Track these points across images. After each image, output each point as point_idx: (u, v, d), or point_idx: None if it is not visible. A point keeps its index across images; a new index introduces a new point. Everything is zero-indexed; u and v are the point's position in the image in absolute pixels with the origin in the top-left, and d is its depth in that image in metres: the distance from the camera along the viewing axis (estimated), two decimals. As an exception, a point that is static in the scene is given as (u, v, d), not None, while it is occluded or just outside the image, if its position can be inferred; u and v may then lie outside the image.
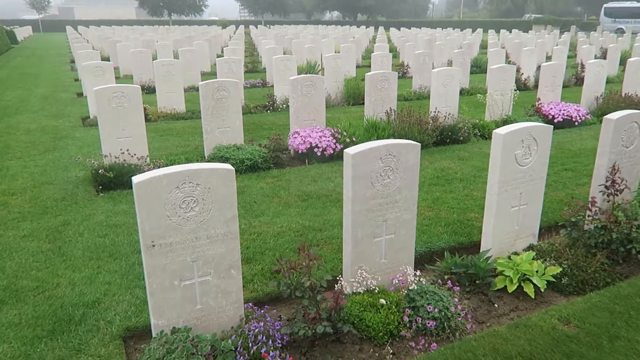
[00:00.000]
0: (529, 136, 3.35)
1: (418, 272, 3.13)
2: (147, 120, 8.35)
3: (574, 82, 12.49)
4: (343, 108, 9.72)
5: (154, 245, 2.38)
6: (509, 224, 3.52)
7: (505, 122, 7.64)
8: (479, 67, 15.35)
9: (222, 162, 5.72)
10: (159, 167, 5.45)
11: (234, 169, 2.50)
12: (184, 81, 9.51)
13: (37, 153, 6.43)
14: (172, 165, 5.61)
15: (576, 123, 7.92)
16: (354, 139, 6.19)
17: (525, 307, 3.11)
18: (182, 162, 5.69)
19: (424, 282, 3.00)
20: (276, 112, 9.17)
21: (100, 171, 4.98)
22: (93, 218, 4.38)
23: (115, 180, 5.07)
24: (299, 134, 6.23)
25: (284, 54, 14.29)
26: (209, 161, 5.80)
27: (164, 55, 14.05)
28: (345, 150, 2.83)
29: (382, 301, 2.85)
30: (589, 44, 19.55)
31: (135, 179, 2.31)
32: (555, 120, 7.83)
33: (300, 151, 6.04)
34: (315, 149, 6.01)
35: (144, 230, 2.34)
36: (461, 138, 6.88)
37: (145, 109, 8.48)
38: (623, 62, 15.59)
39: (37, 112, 9.09)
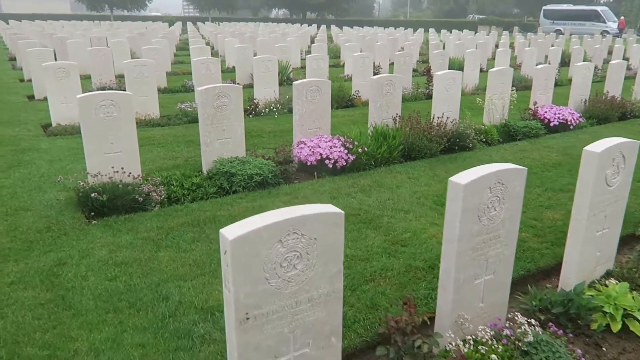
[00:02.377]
0: (619, 153, 3.01)
1: (533, 321, 2.67)
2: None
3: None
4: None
5: (248, 318, 1.80)
6: (592, 251, 3.17)
7: (504, 126, 7.43)
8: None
9: (227, 178, 5.12)
10: (156, 187, 4.76)
11: (343, 212, 1.95)
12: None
13: (-1, 170, 5.51)
14: (168, 183, 4.96)
15: (571, 127, 7.84)
16: (365, 149, 5.71)
17: (633, 349, 2.76)
18: (179, 180, 5.01)
19: (537, 332, 2.57)
20: (260, 117, 8.54)
21: (93, 195, 4.22)
22: (93, 254, 3.66)
23: (108, 204, 4.33)
24: (305, 144, 5.68)
25: (256, 55, 13.58)
26: (209, 177, 5.14)
27: (121, 54, 13.01)
28: (452, 179, 2.35)
29: (494, 357, 2.39)
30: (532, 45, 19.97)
31: (230, 234, 1.72)
32: (551, 124, 7.71)
33: (309, 163, 5.49)
34: (326, 161, 5.48)
35: (238, 300, 1.76)
36: (470, 145, 6.57)
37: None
38: (565, 63, 16.03)
39: (-15, 119, 7.98)
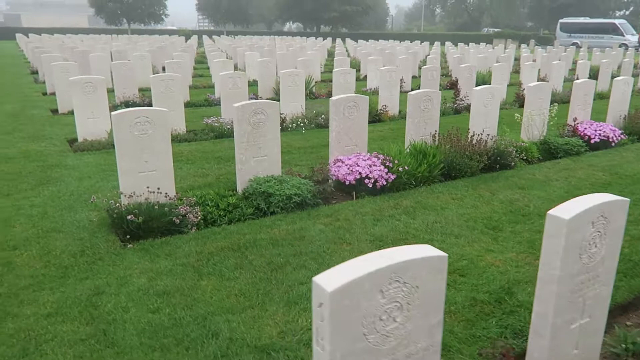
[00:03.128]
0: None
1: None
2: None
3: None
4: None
5: (342, 380, 1.54)
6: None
7: (544, 143, 7.13)
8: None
9: (264, 199, 4.89)
10: (191, 207, 4.54)
11: (446, 255, 1.69)
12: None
13: (28, 187, 5.33)
14: (203, 203, 4.73)
15: (612, 144, 7.51)
16: (406, 168, 5.46)
17: None
18: (214, 199, 4.78)
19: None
20: (287, 133, 8.33)
21: (129, 217, 4.01)
22: (132, 282, 3.43)
23: (144, 227, 4.11)
24: (343, 162, 5.44)
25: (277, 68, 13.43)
26: (245, 197, 4.91)
27: (142, 68, 12.97)
28: (552, 213, 2.09)
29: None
30: (558, 59, 19.62)
31: (327, 285, 1.47)
32: (592, 141, 7.40)
33: (348, 182, 5.24)
34: (366, 180, 5.23)
35: (333, 360, 1.50)
36: (512, 163, 6.28)
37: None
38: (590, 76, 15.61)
39: (10, 134, 7.86)
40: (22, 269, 3.58)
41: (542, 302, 2.19)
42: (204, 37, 39.16)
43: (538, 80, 12.20)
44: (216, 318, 3.01)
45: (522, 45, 31.89)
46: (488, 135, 6.29)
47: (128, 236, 4.04)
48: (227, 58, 16.42)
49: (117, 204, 4.31)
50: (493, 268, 3.72)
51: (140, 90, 11.09)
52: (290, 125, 8.53)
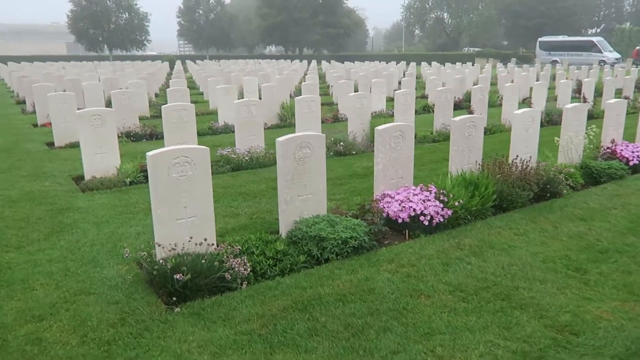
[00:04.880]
0: None
1: None
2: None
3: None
4: (372, 154, 8.53)
5: None
6: None
7: (585, 167, 6.77)
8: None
9: (316, 243, 4.34)
10: (236, 257, 3.98)
11: None
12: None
13: (40, 237, 4.69)
14: (247, 250, 4.17)
15: (650, 166, 7.20)
16: (461, 202, 5.00)
17: None
18: (259, 246, 4.22)
19: None
20: (306, 162, 7.82)
21: (177, 276, 3.43)
22: (190, 359, 2.85)
23: (190, 285, 3.54)
24: (392, 197, 4.96)
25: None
26: (293, 242, 4.36)
27: (140, 96, 12.40)
28: None
29: None
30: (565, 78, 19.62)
31: None
32: (631, 163, 7.07)
33: (402, 220, 4.75)
34: (421, 217, 4.74)
35: None
36: (564, 191, 5.88)
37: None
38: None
39: (8, 172, 7.19)
40: (55, 348, 2.96)
41: None
42: (187, 61, 38.75)
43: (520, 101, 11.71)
44: (312, 409, 2.45)
45: (498, 65, 32.08)
46: (529, 160, 5.88)
47: (174, 298, 3.46)
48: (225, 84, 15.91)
49: (150, 258, 3.75)
50: (605, 322, 3.24)
51: (140, 119, 10.52)
52: (308, 154, 8.02)
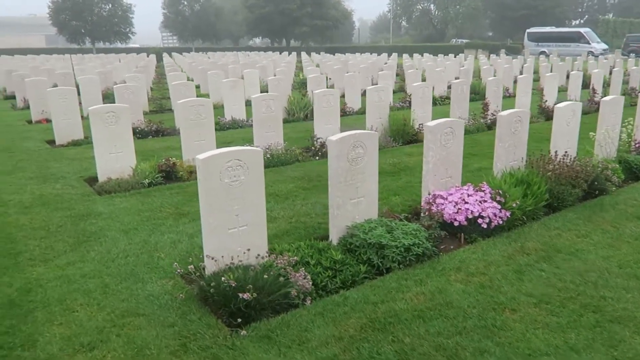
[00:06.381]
0: None
1: None
2: (178, 179, 6.38)
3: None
4: (394, 149, 8.23)
5: None
6: None
7: (623, 162, 6.52)
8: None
9: (376, 251, 3.99)
10: (293, 266, 3.61)
11: None
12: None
13: (67, 249, 4.26)
14: (302, 261, 3.80)
15: (684, 160, 6.98)
16: (517, 202, 4.69)
17: None
18: (314, 255, 3.86)
19: None
20: (325, 159, 7.45)
21: (244, 296, 3.05)
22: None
23: (253, 303, 3.17)
24: (444, 198, 4.63)
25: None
26: (348, 249, 4.01)
27: (141, 89, 11.85)
28: None
29: None
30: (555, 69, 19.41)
31: None
32: (664, 158, 6.85)
33: (458, 223, 4.43)
34: (479, 220, 4.43)
35: None
36: (613, 189, 5.62)
37: (174, 164, 6.49)
38: (585, 85, 15.15)
39: (12, 174, 6.68)
40: (117, 385, 2.58)
41: None
42: (174, 54, 37.85)
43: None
44: None
45: (481, 57, 31.97)
46: (570, 156, 5.61)
47: (239, 319, 3.08)
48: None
49: (199, 272, 3.37)
50: None
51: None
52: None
